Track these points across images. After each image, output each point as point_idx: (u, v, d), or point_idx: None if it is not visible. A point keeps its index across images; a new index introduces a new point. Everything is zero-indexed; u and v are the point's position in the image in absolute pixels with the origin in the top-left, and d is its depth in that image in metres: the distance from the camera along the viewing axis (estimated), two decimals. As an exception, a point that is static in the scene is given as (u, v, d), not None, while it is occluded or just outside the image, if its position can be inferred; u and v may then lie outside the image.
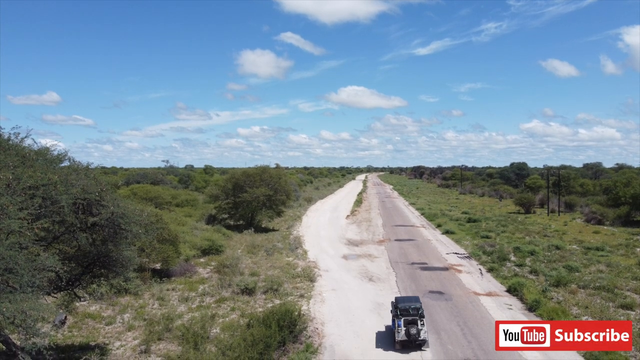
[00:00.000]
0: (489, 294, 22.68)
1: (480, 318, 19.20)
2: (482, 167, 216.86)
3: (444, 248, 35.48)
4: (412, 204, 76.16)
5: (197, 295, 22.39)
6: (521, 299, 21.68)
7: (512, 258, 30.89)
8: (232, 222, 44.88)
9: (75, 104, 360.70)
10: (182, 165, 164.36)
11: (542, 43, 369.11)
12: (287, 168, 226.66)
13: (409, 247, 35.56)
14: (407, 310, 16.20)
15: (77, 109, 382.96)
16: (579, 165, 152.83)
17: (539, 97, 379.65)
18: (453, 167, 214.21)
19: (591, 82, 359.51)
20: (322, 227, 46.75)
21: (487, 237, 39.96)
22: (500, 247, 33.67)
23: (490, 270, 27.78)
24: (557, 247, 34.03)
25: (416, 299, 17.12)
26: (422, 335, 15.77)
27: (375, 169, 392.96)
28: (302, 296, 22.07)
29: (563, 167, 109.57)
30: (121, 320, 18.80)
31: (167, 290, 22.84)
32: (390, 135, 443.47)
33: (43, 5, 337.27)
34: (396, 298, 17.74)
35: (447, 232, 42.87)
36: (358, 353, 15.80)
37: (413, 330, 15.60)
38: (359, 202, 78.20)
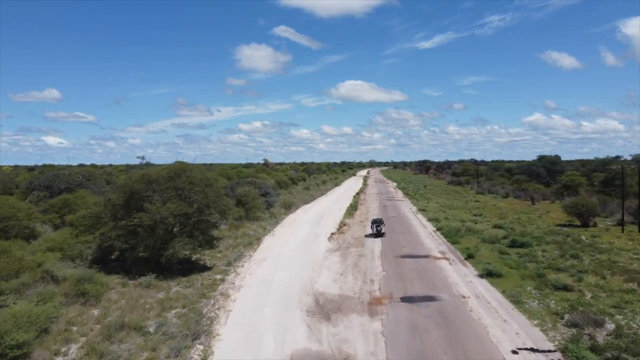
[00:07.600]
0: None
1: None
2: (491, 161, 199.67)
3: (498, 327, 17.80)
4: (421, 209, 58.51)
5: None
6: None
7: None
8: (131, 257, 27.03)
9: (76, 101, 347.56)
10: (177, 160, 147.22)
11: (545, 35, 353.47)
12: (281, 164, 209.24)
13: (428, 325, 17.95)
14: (376, 221, 39.03)
15: (79, 106, 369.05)
16: (587, 157, 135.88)
17: (541, 90, 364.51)
18: (461, 162, 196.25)
19: (593, 75, 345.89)
20: (284, 263, 29.19)
21: (565, 287, 22.39)
22: (618, 329, 16.16)
23: None
24: None
25: (380, 219, 39.83)
26: (383, 230, 38.21)
27: (379, 164, 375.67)
28: None
29: (614, 159, 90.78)
30: None
31: None
32: (392, 130, 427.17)
33: (43, 2, 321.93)
34: (373, 219, 40.73)
35: (488, 275, 25.25)
36: None
37: (379, 228, 38.17)
38: (353, 208, 60.48)
